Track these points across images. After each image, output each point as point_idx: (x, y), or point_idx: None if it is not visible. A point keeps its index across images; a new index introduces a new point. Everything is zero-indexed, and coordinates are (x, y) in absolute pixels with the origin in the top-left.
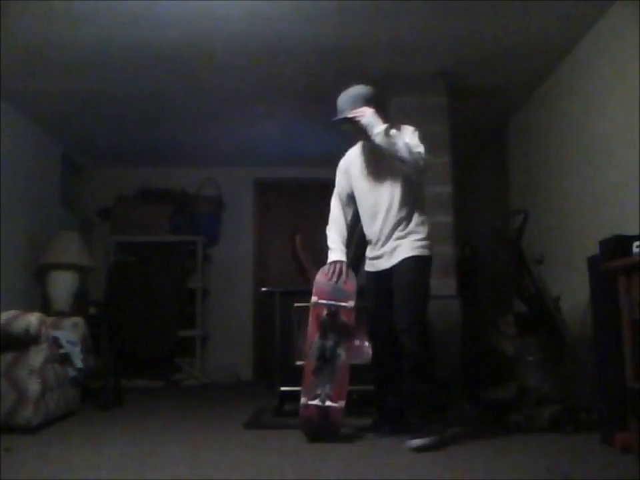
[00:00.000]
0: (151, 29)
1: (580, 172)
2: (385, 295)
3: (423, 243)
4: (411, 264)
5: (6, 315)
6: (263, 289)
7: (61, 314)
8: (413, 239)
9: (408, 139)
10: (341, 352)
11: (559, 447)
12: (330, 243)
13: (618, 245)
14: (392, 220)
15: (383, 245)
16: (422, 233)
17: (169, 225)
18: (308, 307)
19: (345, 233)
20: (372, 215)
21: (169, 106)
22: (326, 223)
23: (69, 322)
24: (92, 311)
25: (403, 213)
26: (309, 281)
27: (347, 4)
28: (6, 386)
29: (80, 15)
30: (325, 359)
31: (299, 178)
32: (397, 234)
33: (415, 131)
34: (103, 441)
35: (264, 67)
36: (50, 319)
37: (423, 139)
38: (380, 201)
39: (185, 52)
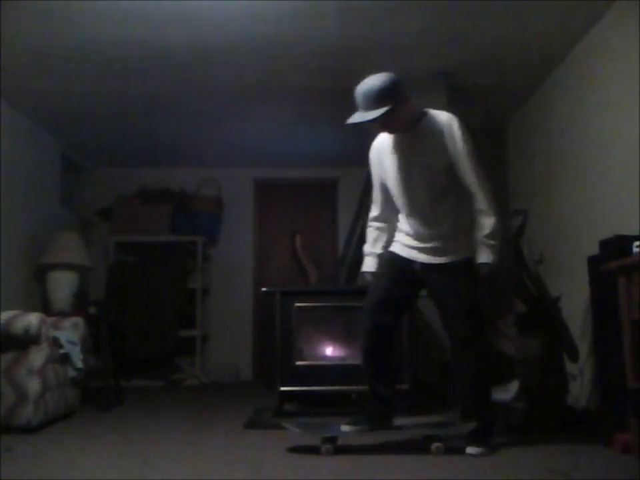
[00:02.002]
0: (151, 28)
1: (580, 172)
2: (403, 285)
3: (469, 243)
4: (463, 266)
5: (6, 315)
6: (263, 289)
7: (61, 314)
8: (460, 238)
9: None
10: None
11: (559, 447)
12: (364, 247)
13: (618, 245)
14: (434, 216)
15: (425, 241)
16: (468, 232)
17: (168, 225)
18: (308, 307)
19: (383, 234)
20: (409, 208)
21: (169, 106)
22: (325, 223)
23: (69, 322)
24: (92, 310)
25: (447, 209)
26: (309, 281)
27: (347, 4)
28: (6, 386)
29: (79, 14)
30: None
31: (299, 178)
32: (442, 231)
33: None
34: (103, 441)
35: (264, 67)
36: (50, 319)
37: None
38: (418, 194)
39: (184, 51)
